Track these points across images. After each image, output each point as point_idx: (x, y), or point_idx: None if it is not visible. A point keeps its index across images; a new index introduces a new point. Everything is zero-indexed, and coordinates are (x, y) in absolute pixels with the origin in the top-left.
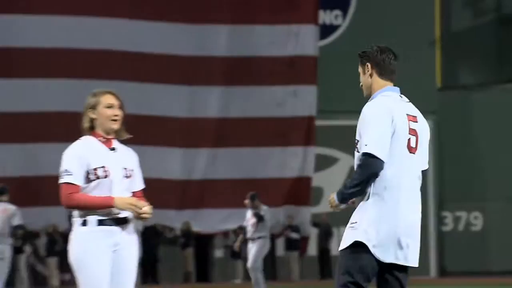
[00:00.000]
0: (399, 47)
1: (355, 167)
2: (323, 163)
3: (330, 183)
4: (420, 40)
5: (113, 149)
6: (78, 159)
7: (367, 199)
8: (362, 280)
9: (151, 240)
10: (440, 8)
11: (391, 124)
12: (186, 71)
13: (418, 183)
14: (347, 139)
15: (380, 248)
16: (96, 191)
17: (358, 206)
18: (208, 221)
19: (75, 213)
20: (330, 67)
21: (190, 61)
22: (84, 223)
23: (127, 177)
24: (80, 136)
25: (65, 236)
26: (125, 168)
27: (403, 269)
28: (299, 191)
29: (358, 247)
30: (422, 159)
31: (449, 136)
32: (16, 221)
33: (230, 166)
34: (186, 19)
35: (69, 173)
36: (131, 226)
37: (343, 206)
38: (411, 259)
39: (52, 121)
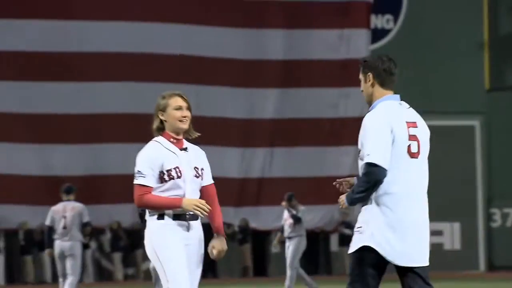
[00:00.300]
0: (448, 49)
1: (360, 174)
2: None
3: None
4: (469, 42)
5: (184, 149)
6: (151, 161)
7: (370, 203)
8: (371, 280)
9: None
10: (488, 12)
11: (390, 133)
12: (244, 74)
13: (424, 184)
14: None
15: (389, 251)
16: (170, 191)
17: (362, 210)
18: (265, 218)
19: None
20: None
21: (248, 64)
22: (162, 217)
23: (197, 176)
24: (141, 136)
25: (128, 232)
26: (196, 168)
27: (414, 270)
28: None
29: (366, 251)
30: (425, 162)
31: (497, 136)
32: (85, 219)
33: (286, 165)
34: (244, 24)
35: (142, 175)
36: (199, 223)
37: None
38: (418, 259)
39: (114, 122)
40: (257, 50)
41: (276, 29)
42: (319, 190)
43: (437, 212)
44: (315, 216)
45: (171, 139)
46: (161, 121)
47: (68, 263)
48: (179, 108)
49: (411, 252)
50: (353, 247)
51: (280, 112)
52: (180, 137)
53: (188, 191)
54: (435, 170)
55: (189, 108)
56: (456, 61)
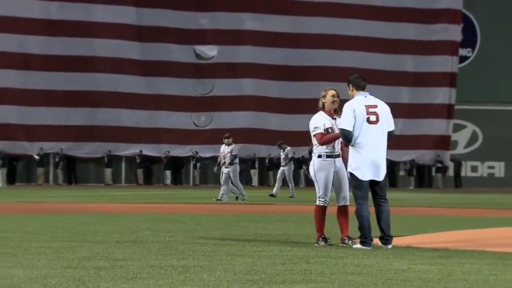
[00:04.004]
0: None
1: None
2: (456, 127)
3: (461, 138)
4: None
5: (334, 118)
6: (320, 121)
7: (351, 149)
8: (365, 191)
9: None
10: None
11: (352, 111)
12: None
13: (382, 138)
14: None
15: (360, 174)
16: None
17: (349, 152)
18: None
19: (316, 150)
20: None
21: None
22: (320, 156)
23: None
24: (315, 112)
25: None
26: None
27: (378, 183)
28: (444, 142)
29: (352, 175)
30: (384, 126)
31: None
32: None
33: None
34: None
35: (318, 128)
36: (340, 159)
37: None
38: (374, 177)
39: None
40: None
41: None
42: (428, 141)
43: None
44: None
45: (327, 112)
46: (323, 103)
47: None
48: (333, 96)
49: (371, 173)
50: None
51: None
52: (332, 112)
53: (336, 144)
54: None
55: (338, 96)
56: None
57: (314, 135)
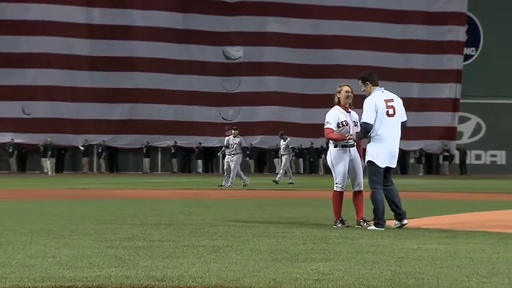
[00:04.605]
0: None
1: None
2: (461, 119)
3: (466, 129)
4: None
5: (348, 112)
6: (334, 116)
7: (371, 140)
8: (379, 177)
9: None
10: None
11: (374, 106)
12: None
13: (398, 129)
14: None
15: (378, 161)
16: (342, 131)
17: (367, 144)
18: None
19: (332, 140)
20: (468, 76)
21: None
22: (336, 146)
23: (355, 125)
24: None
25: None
26: (354, 121)
27: (390, 169)
28: (450, 132)
29: (371, 163)
30: (399, 118)
31: None
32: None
33: None
34: None
35: (329, 123)
36: (355, 148)
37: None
38: (389, 164)
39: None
40: None
41: None
42: (436, 131)
43: None
44: None
45: (342, 107)
46: (338, 98)
47: None
48: (347, 91)
49: (387, 161)
50: (365, 161)
51: None
52: (346, 106)
53: (351, 131)
54: None
55: (352, 92)
56: None
57: (325, 128)
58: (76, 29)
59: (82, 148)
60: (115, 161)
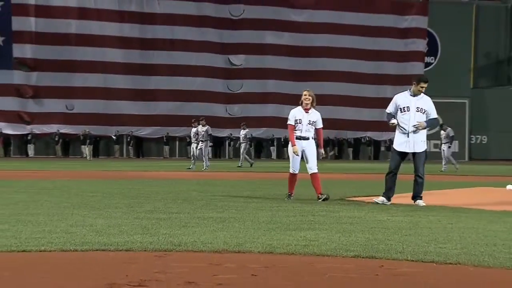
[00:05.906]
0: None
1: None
2: None
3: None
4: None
5: (307, 111)
6: (292, 115)
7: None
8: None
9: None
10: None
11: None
12: None
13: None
14: None
15: (397, 146)
16: (296, 129)
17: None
18: None
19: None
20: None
21: None
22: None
23: (309, 124)
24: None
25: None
26: (309, 120)
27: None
28: None
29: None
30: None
31: None
32: None
33: None
34: None
35: (289, 120)
36: (311, 140)
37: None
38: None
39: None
40: None
41: None
42: None
43: None
44: None
45: (302, 106)
46: (301, 101)
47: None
48: (305, 95)
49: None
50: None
51: None
52: (307, 107)
53: (304, 131)
54: None
55: (311, 95)
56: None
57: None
58: (110, 40)
59: (114, 137)
60: (140, 148)
